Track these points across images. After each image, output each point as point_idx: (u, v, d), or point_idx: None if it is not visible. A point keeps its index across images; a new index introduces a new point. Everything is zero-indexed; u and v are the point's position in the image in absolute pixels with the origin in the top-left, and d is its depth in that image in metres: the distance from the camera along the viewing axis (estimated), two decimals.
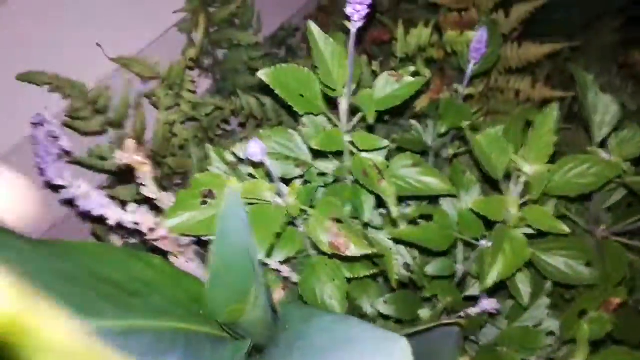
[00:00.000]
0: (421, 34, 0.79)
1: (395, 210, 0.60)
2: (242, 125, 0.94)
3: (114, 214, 0.58)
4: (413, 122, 0.81)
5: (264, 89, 1.03)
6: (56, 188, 0.63)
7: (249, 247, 0.48)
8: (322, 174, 0.72)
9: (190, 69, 0.85)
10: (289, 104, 0.60)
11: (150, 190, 0.53)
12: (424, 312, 0.70)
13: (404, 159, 0.68)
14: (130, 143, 0.49)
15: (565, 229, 0.57)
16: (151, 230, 0.53)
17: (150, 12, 0.91)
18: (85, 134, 0.75)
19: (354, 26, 0.51)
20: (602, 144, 0.65)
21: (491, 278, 0.58)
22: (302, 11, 1.26)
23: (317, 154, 0.70)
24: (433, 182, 0.67)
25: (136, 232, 0.62)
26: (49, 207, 0.84)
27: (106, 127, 0.75)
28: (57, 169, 0.62)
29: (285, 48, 1.15)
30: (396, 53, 0.84)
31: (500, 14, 0.92)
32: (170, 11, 0.93)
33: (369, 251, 0.56)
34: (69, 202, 0.63)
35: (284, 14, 1.21)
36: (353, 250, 0.57)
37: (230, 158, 0.70)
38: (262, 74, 0.59)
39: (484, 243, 0.67)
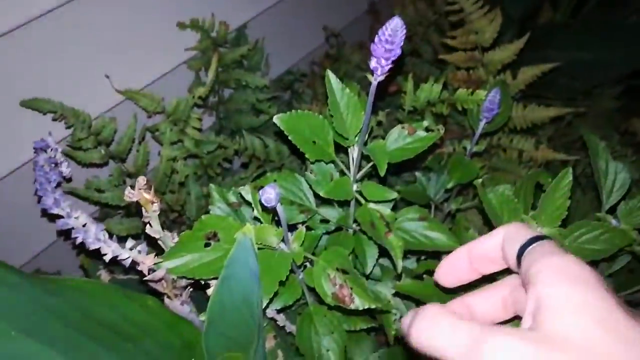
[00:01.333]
0: (432, 89, 0.80)
1: (399, 264, 0.59)
2: (244, 165, 0.93)
3: (110, 250, 0.56)
4: (417, 174, 0.80)
5: (267, 130, 1.04)
6: (52, 216, 0.61)
7: (255, 297, 0.46)
8: (325, 221, 0.70)
9: (198, 106, 0.85)
10: (301, 150, 0.59)
11: (154, 229, 0.51)
12: None
13: (411, 212, 0.67)
14: (141, 180, 0.48)
15: None
16: (151, 271, 0.50)
17: (160, 48, 0.91)
18: (84, 165, 0.73)
19: (375, 79, 0.51)
20: (611, 211, 0.64)
21: None
22: (309, 56, 1.27)
23: (322, 201, 0.69)
24: (439, 237, 0.66)
25: (130, 269, 0.60)
26: (39, 233, 0.82)
27: (107, 159, 0.73)
28: (55, 197, 0.59)
29: (290, 92, 1.16)
30: (404, 105, 0.85)
31: (507, 74, 0.93)
32: (180, 48, 0.94)
33: (374, 305, 0.54)
34: (64, 233, 0.61)
35: (290, 59, 1.23)
36: (358, 303, 0.55)
37: (232, 199, 0.68)
38: (277, 119, 0.58)
39: None
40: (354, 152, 0.63)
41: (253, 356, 0.48)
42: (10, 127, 0.70)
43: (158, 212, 0.49)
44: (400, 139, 0.63)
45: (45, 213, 0.60)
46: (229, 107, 1.03)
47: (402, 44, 0.46)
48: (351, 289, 0.55)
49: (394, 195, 0.63)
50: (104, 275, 0.78)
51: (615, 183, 0.64)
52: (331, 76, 0.61)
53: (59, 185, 0.62)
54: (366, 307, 0.54)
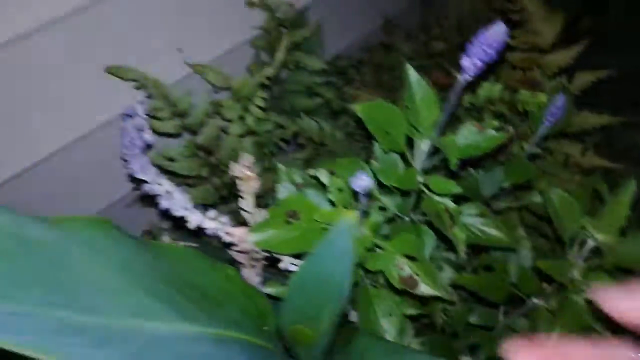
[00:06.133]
0: (492, 88, 0.82)
1: (462, 254, 0.62)
2: (301, 145, 0.96)
3: (196, 218, 0.59)
4: (472, 171, 0.83)
5: (319, 114, 1.06)
6: (137, 181, 0.64)
7: (339, 279, 0.49)
8: (383, 209, 0.74)
9: (264, 86, 0.87)
10: (377, 139, 0.62)
11: (248, 204, 0.54)
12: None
13: (471, 207, 0.70)
14: (247, 157, 0.51)
15: None
16: (240, 241, 0.54)
17: (225, 25, 0.94)
18: (158, 134, 0.76)
19: (464, 78, 0.53)
20: None
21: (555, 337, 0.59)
22: (360, 42, 1.29)
23: (382, 189, 0.72)
24: (495, 234, 0.69)
25: (192, 236, 0.63)
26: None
27: (181, 130, 0.76)
28: (142, 163, 0.63)
29: (342, 76, 1.18)
30: (463, 102, 0.87)
31: (563, 78, 0.95)
32: (244, 26, 0.96)
33: (439, 293, 0.58)
34: (145, 198, 0.64)
35: (341, 43, 1.25)
36: (423, 289, 0.58)
37: (297, 179, 0.71)
38: (357, 108, 0.61)
39: (536, 301, 0.69)
40: (424, 145, 0.66)
41: (322, 335, 0.51)
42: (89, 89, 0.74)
43: (256, 190, 0.52)
44: (470, 136, 0.66)
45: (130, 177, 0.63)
46: (285, 88, 1.05)
47: (500, 49, 0.48)
48: (417, 275, 0.59)
49: (458, 189, 0.66)
50: (166, 240, 0.82)
51: None
52: (410, 69, 0.63)
53: (143, 152, 0.65)
54: (432, 294, 0.58)
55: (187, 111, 0.74)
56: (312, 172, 0.67)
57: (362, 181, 0.48)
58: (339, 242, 0.48)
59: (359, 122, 0.63)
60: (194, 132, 0.77)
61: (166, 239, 0.80)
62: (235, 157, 0.83)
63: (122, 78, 0.72)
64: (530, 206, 0.84)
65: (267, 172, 0.90)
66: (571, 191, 0.67)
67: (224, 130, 0.80)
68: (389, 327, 0.64)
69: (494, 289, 0.68)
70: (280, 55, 0.86)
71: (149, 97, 0.73)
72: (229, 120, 0.85)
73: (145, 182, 0.62)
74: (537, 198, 0.83)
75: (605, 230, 0.61)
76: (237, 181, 0.52)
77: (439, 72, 1.13)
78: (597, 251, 0.63)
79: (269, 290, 0.65)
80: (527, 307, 0.71)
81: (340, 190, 0.61)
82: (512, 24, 1.02)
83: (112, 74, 0.72)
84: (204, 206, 0.69)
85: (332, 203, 0.63)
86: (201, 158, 0.78)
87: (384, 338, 0.58)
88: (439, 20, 1.28)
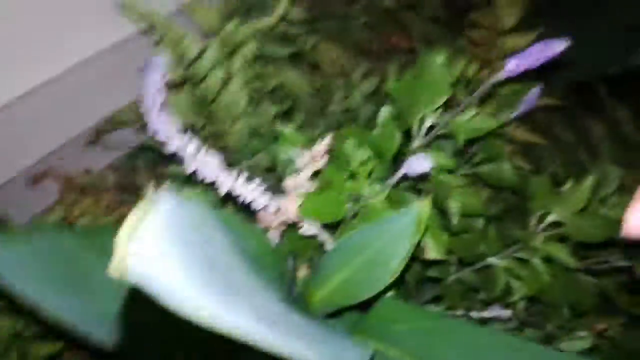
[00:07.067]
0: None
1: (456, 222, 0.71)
2: (275, 100, 0.96)
3: (227, 182, 0.60)
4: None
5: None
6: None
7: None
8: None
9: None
10: (399, 117, 0.67)
11: (302, 178, 0.56)
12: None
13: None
14: (324, 143, 0.52)
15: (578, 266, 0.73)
16: (278, 211, 0.56)
17: None
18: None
19: (503, 75, 0.59)
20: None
21: (518, 296, 0.72)
22: None
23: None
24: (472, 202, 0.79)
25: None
26: None
27: (184, 80, 0.73)
28: (164, 123, 0.61)
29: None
30: None
31: None
32: None
33: (444, 257, 0.66)
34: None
35: None
36: (430, 253, 0.66)
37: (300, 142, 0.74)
38: (390, 86, 0.65)
39: (491, 260, 0.81)
40: (427, 122, 0.72)
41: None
42: None
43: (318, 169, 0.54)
44: (472, 120, 0.73)
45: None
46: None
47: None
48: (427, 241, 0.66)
49: (452, 163, 0.74)
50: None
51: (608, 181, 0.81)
52: (434, 56, 0.68)
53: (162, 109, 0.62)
54: (438, 258, 0.66)
55: (196, 60, 0.70)
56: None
57: (425, 164, 0.52)
58: (402, 220, 0.53)
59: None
60: (194, 84, 0.74)
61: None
62: (231, 112, 0.82)
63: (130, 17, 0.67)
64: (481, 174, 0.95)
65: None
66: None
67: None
68: None
69: (467, 250, 0.78)
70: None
71: (157, 42, 0.69)
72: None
73: (170, 142, 0.60)
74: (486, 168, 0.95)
75: (567, 208, 0.74)
76: (308, 159, 0.54)
77: (398, 35, 1.18)
78: (556, 224, 0.76)
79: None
80: (481, 264, 0.83)
81: (362, 163, 0.65)
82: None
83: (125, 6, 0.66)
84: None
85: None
86: (197, 108, 0.75)
87: (401, 300, 0.65)
88: None
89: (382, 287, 0.55)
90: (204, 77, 0.71)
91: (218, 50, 0.82)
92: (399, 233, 0.53)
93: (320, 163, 0.55)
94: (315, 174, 0.60)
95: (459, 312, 0.83)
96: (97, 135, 0.88)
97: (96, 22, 0.76)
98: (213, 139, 0.83)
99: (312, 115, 0.99)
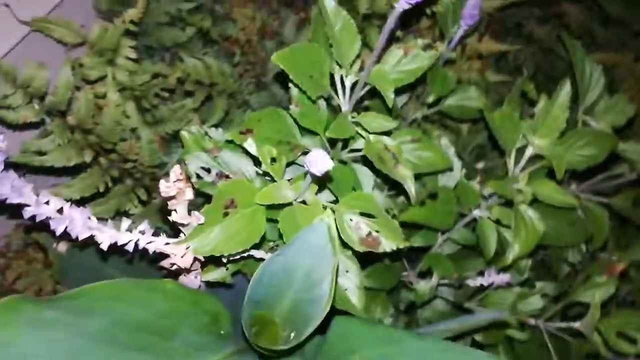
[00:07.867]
0: None
1: (413, 194, 0.58)
2: (189, 93, 0.81)
3: (108, 236, 0.48)
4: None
5: (194, 47, 0.91)
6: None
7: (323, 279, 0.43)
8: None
9: (129, 32, 0.71)
10: (302, 88, 0.53)
11: (180, 216, 0.43)
12: (422, 285, 0.70)
13: (403, 134, 0.64)
14: (177, 170, 0.39)
15: (575, 202, 0.59)
16: (182, 257, 0.44)
17: None
18: (16, 127, 0.59)
19: (401, 6, 0.44)
20: (587, 112, 0.67)
21: (512, 255, 0.59)
22: None
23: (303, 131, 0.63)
24: (432, 157, 0.65)
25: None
26: None
27: (43, 115, 0.59)
28: (12, 184, 0.48)
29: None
30: (358, 9, 0.78)
31: None
32: None
33: (402, 245, 0.53)
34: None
35: None
36: (386, 245, 0.53)
37: (208, 145, 0.60)
38: (277, 58, 0.50)
39: (477, 213, 0.67)
40: (348, 82, 0.58)
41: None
42: None
43: (191, 198, 0.41)
44: (399, 63, 0.58)
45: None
46: (146, 21, 0.87)
47: None
48: (377, 232, 0.53)
49: (394, 124, 0.60)
50: (62, 247, 0.68)
51: (591, 82, 0.67)
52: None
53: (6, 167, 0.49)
54: (395, 248, 0.53)
55: (46, 90, 0.57)
56: (229, 136, 0.57)
57: (323, 163, 0.38)
58: (316, 238, 0.41)
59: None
60: (62, 113, 0.61)
61: (60, 246, 0.67)
62: (119, 131, 0.68)
63: None
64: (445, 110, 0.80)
65: (152, 126, 0.76)
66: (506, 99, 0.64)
67: (97, 99, 0.64)
68: (349, 284, 0.60)
69: (442, 215, 0.65)
70: None
71: None
72: (93, 82, 0.68)
73: (25, 205, 0.48)
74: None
75: (545, 135, 0.60)
76: (167, 195, 0.41)
77: None
78: (535, 157, 0.62)
79: (208, 277, 0.56)
80: (468, 219, 0.70)
81: (273, 160, 0.51)
82: None
83: None
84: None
85: (265, 173, 0.54)
86: (78, 141, 0.62)
87: (362, 318, 0.54)
88: None
89: (322, 315, 0.43)
90: (67, 105, 0.57)
91: (92, 59, 0.69)
92: (318, 253, 0.41)
93: (187, 192, 0.42)
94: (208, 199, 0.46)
95: (454, 282, 0.71)
96: None
97: None
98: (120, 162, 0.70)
99: (236, 100, 0.85)
